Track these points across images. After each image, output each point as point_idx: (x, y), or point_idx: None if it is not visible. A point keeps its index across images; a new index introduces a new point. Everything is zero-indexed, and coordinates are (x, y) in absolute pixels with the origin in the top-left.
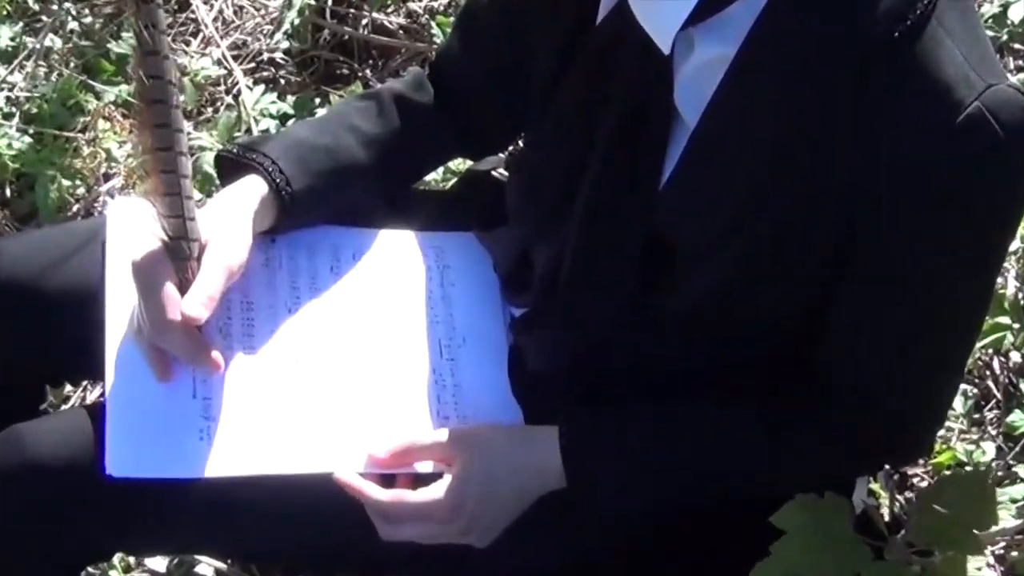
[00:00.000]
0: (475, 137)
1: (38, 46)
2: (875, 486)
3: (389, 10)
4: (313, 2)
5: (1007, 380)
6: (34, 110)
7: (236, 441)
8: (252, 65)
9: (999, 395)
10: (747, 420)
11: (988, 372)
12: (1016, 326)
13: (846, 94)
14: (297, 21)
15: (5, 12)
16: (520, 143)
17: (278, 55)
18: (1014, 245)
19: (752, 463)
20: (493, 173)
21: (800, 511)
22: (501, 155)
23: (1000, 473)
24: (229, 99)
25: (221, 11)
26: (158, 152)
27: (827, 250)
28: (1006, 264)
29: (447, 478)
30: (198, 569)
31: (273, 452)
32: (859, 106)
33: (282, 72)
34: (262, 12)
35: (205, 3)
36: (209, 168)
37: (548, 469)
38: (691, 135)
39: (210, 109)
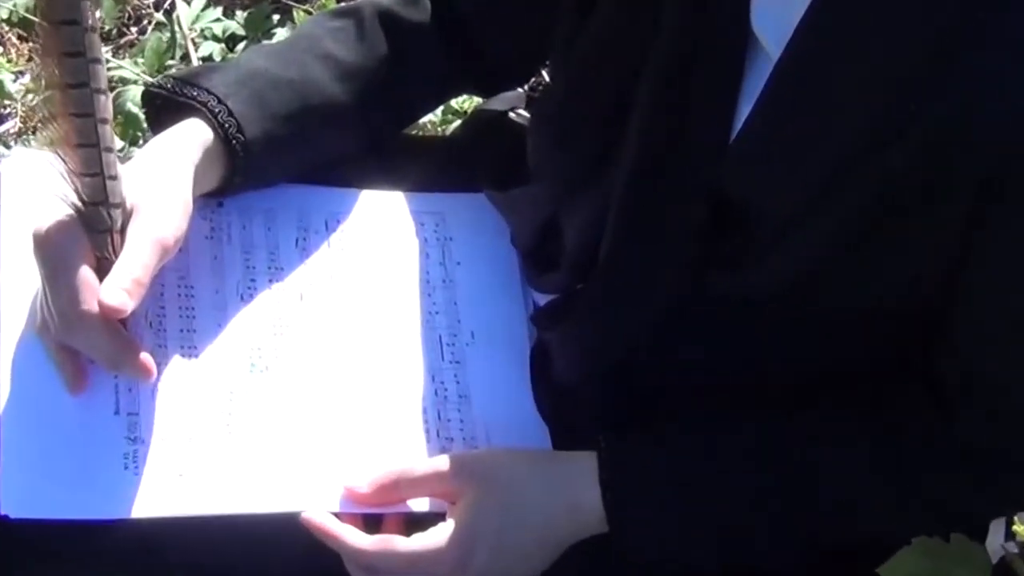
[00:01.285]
0: (485, 66)
1: None
2: (1018, 528)
3: None
4: None
5: None
6: None
7: (172, 471)
8: None
9: None
10: (846, 446)
11: None
12: None
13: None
14: None
15: None
16: (545, 74)
17: None
18: None
19: (854, 503)
20: (510, 115)
21: (918, 559)
22: (520, 90)
23: None
24: (159, 16)
25: None
26: (68, 89)
27: (950, 217)
28: None
29: (450, 520)
30: None
31: (220, 486)
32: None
33: None
34: None
35: None
36: (135, 108)
37: (583, 508)
38: (774, 68)
39: (135, 29)
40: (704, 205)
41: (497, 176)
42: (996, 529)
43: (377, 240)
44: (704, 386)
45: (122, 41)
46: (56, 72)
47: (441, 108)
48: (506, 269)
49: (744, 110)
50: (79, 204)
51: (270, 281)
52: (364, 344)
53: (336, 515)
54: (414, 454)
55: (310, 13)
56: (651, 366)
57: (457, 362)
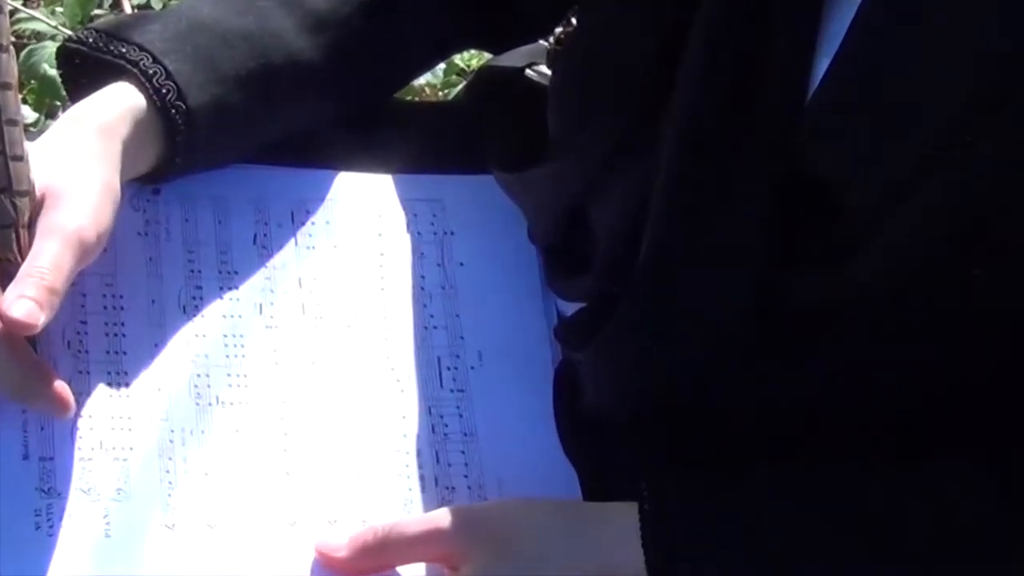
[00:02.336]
0: (495, 13)
1: None
2: None
3: None
4: None
5: None
6: None
7: (96, 531)
8: None
9: None
10: (974, 498)
11: None
12: None
13: None
14: None
15: None
16: (571, 22)
17: None
18: None
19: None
20: (528, 73)
21: None
22: (541, 43)
23: None
24: None
25: None
26: None
27: None
28: None
29: None
30: None
31: (155, 551)
32: None
33: None
34: None
35: None
36: (50, 70)
37: (618, 572)
38: (859, 8)
39: None
40: (776, 186)
41: (510, 152)
42: None
43: (358, 236)
44: (770, 421)
45: None
46: None
47: (442, 67)
48: (522, 271)
49: (822, 65)
50: None
51: (221, 289)
52: (342, 370)
53: None
54: (406, 507)
55: None
56: (710, 392)
57: (460, 391)
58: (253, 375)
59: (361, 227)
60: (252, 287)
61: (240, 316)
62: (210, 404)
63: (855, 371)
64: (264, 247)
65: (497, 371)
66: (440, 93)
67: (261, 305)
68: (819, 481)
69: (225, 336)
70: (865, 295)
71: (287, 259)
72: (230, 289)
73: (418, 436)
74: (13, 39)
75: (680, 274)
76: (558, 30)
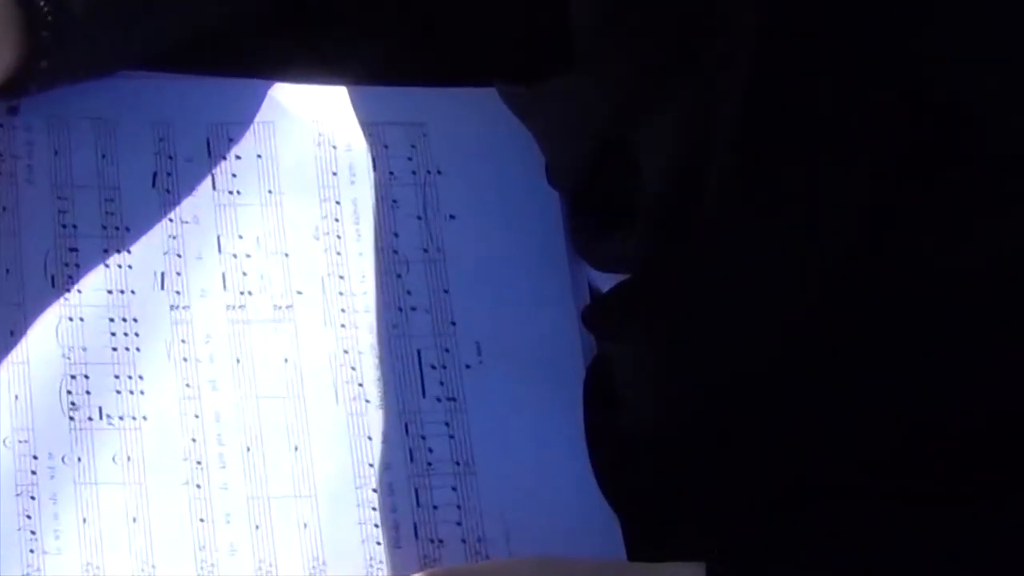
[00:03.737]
0: None
1: None
2: None
3: None
4: None
5: None
6: None
7: None
8: None
9: None
10: None
11: None
12: None
13: None
14: None
15: None
16: None
17: None
18: None
19: None
20: None
21: None
22: None
23: None
24: None
25: None
26: None
27: None
28: None
29: None
30: None
31: None
32: None
33: None
34: None
35: None
36: None
37: None
38: None
39: None
40: (895, 111)
41: (519, 56)
42: None
43: (302, 177)
44: (879, 437)
45: None
46: None
47: None
48: (538, 228)
49: None
50: None
51: (106, 253)
52: (280, 371)
53: None
54: (370, 570)
55: None
56: (795, 402)
57: (450, 399)
58: (152, 378)
59: (306, 164)
60: (151, 250)
61: (133, 292)
62: (90, 420)
63: (972, 378)
64: (168, 191)
65: (502, 371)
66: None
67: (163, 276)
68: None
69: (112, 322)
70: (997, 273)
71: (201, 209)
72: (118, 252)
73: (388, 466)
74: None
75: (762, 234)
76: None
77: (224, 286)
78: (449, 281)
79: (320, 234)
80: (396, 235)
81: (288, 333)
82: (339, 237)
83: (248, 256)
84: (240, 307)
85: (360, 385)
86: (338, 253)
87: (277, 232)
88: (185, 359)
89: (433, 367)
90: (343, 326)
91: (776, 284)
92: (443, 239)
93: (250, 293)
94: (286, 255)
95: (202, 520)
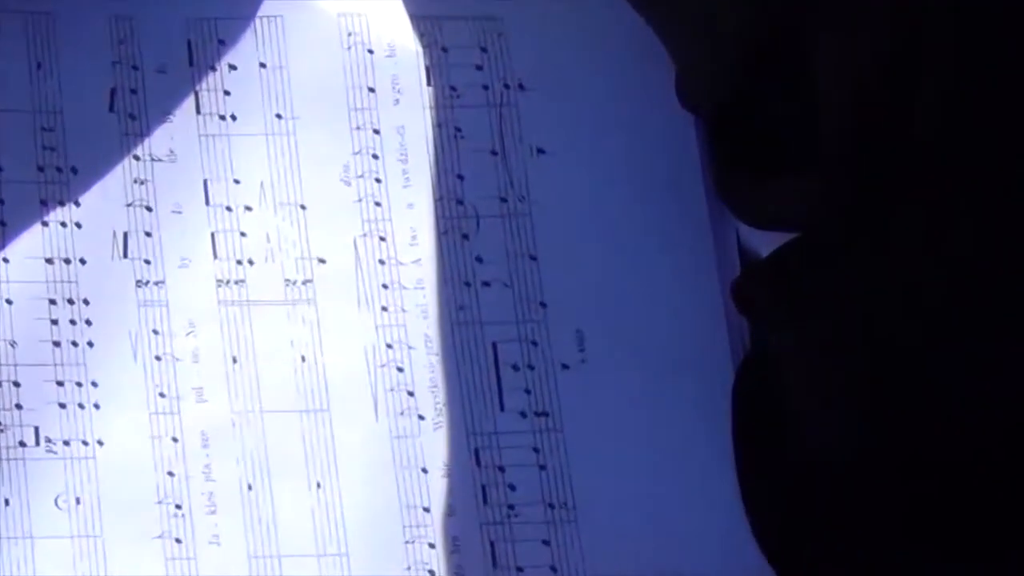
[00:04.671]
0: None
1: None
2: None
3: None
4: None
5: None
6: None
7: None
8: None
9: None
10: None
11: None
12: None
13: None
14: None
15: None
16: None
17: None
18: None
19: None
20: None
21: None
22: None
23: None
24: None
25: None
26: None
27: None
28: None
29: None
30: None
31: None
32: None
33: None
34: None
35: None
36: None
37: None
38: None
39: None
40: None
41: None
42: None
43: (322, 94)
44: None
45: None
46: None
47: None
48: (665, 166)
49: None
50: None
51: (45, 205)
52: (296, 376)
53: None
54: None
55: None
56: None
57: (541, 414)
58: (111, 386)
59: (330, 76)
60: (107, 201)
61: (84, 262)
62: (21, 446)
63: None
64: (132, 117)
65: (613, 374)
66: None
67: (126, 239)
68: None
69: (53, 305)
70: None
71: (180, 143)
72: (61, 204)
73: (452, 512)
74: None
75: (981, 179)
76: None
77: (214, 253)
78: (537, 244)
79: (351, 177)
80: (460, 178)
81: (306, 320)
82: (378, 181)
83: (248, 209)
84: (237, 283)
85: (410, 394)
86: (377, 204)
87: (289, 175)
88: (158, 358)
89: (515, 368)
90: (385, 309)
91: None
92: (528, 183)
93: (251, 263)
94: (302, 208)
95: None
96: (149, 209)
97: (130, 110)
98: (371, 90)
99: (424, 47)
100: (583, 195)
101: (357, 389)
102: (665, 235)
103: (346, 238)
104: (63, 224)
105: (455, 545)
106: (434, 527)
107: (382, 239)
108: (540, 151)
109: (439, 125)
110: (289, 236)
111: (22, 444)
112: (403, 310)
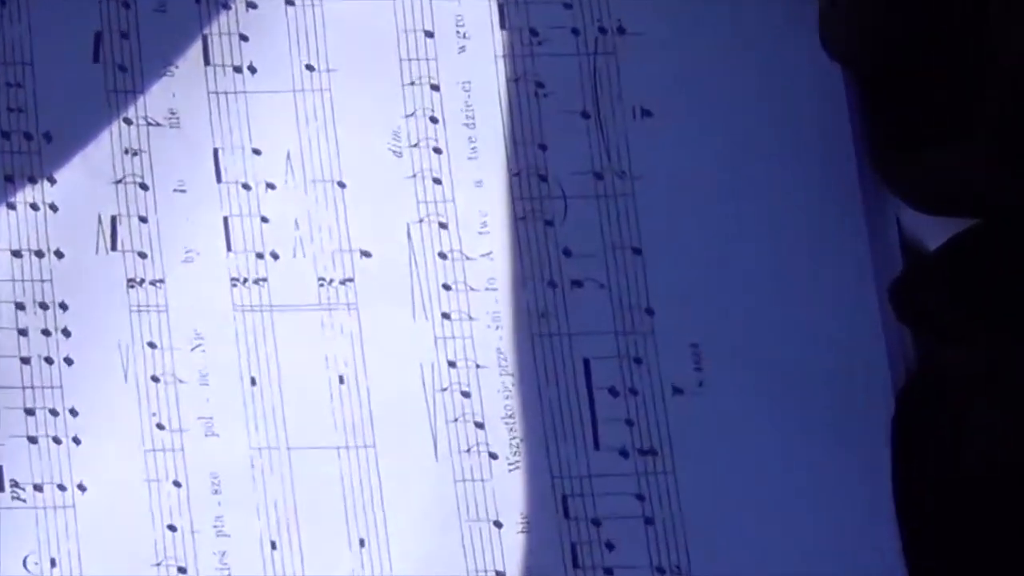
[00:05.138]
0: None
1: None
2: None
3: None
4: None
5: None
6: None
7: None
8: None
9: None
10: None
11: None
12: None
13: None
14: None
15: None
16: None
17: None
18: None
19: None
20: None
21: None
22: None
23: None
24: None
25: None
26: None
27: None
28: None
29: None
30: None
31: None
32: None
33: None
34: None
35: None
36: None
37: None
38: None
39: None
40: None
41: None
42: None
43: (368, 41)
44: None
45: None
46: None
47: None
48: (806, 137)
49: None
50: None
51: (10, 182)
52: (332, 403)
53: None
54: None
55: None
56: None
57: (647, 451)
58: (95, 415)
59: (375, 18)
60: (91, 174)
61: (61, 255)
62: None
63: None
64: (123, 68)
65: (741, 400)
66: None
67: (114, 225)
68: None
69: (20, 309)
70: None
71: (184, 101)
72: (32, 182)
73: (531, 572)
74: None
75: None
76: None
77: (228, 244)
78: (641, 233)
79: (403, 146)
80: (543, 148)
81: (345, 330)
82: (437, 152)
83: (271, 188)
84: (257, 282)
85: (479, 426)
86: (436, 181)
87: (324, 143)
88: (155, 378)
89: (613, 393)
90: (446, 317)
91: None
92: (629, 155)
93: (275, 257)
94: (341, 185)
95: None
96: (144, 187)
97: (120, 60)
98: (428, 34)
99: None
100: (699, 170)
101: (411, 419)
102: (805, 223)
103: (397, 225)
104: (34, 206)
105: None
106: None
107: (442, 226)
108: (645, 113)
109: (515, 79)
110: (324, 222)
111: None
112: (470, 318)
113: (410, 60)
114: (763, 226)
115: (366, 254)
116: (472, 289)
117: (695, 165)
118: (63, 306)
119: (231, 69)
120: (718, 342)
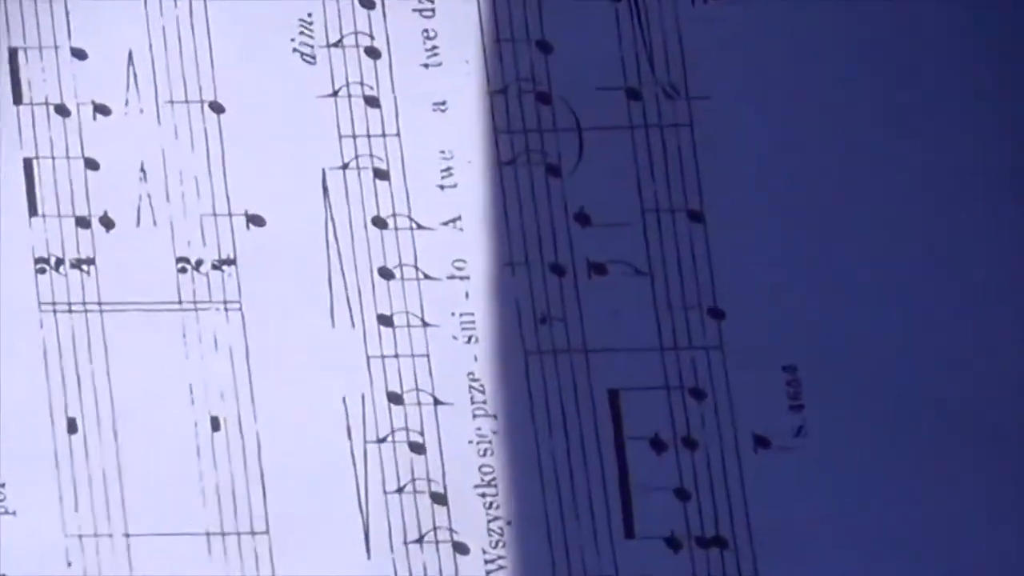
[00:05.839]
0: None
1: None
2: None
3: None
4: None
5: None
6: None
7: None
8: None
9: None
10: None
11: None
12: None
13: None
14: None
15: None
16: None
17: None
18: None
19: None
20: None
21: None
22: None
23: None
24: None
25: None
26: None
27: None
28: None
29: None
30: None
31: None
32: None
33: None
34: None
35: None
36: None
37: None
38: None
39: None
40: None
41: None
42: None
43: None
44: None
45: None
46: None
47: None
48: (941, 103)
49: None
50: None
51: None
52: (172, 496)
53: None
54: None
55: None
56: None
57: (714, 542)
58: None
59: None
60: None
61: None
62: None
63: None
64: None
65: (857, 458)
66: None
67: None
68: None
69: None
70: None
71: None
72: None
73: None
74: None
75: None
76: None
77: (30, 204)
78: (703, 188)
79: (317, 45)
80: (544, 47)
81: (222, 343)
82: (373, 54)
83: (103, 113)
84: (78, 266)
85: (438, 500)
86: (371, 102)
87: (186, 39)
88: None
89: (658, 444)
90: (387, 323)
91: None
92: (684, 58)
93: (108, 225)
94: (215, 109)
95: None
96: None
97: None
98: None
99: None
100: (791, 86)
101: (326, 490)
102: (933, 212)
103: (306, 174)
104: None
105: None
106: None
107: (380, 175)
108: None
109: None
110: (188, 169)
111: None
112: (424, 324)
113: None
114: (870, 211)
115: (255, 221)
116: (428, 277)
117: (784, 77)
118: None
119: None
120: (826, 365)
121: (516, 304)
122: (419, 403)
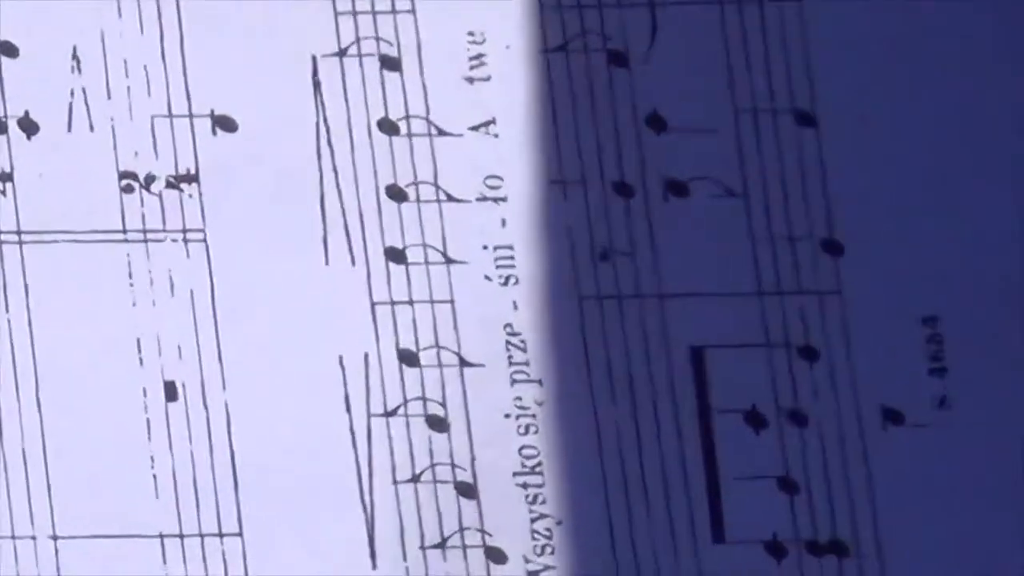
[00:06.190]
0: None
1: None
2: None
3: None
4: None
5: None
6: None
7: None
8: None
9: None
10: None
11: None
12: None
13: None
14: None
15: None
16: None
17: None
18: None
19: None
20: None
21: None
22: None
23: None
24: None
25: None
26: None
27: None
28: None
29: None
30: None
31: None
32: None
33: None
34: None
35: None
36: None
37: None
38: None
39: None
40: None
41: None
42: None
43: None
44: None
45: None
46: None
47: None
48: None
49: None
50: None
51: None
52: (118, 485)
53: None
54: None
55: None
56: None
57: (834, 549)
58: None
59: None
60: None
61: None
62: None
63: None
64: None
65: (1000, 438)
66: None
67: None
68: None
69: None
70: None
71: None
72: None
73: None
74: None
75: None
76: None
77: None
78: (816, 86)
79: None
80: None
81: (181, 285)
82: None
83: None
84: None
85: (465, 493)
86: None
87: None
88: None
89: (756, 419)
90: (398, 259)
91: None
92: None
93: (29, 130)
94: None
95: None
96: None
97: None
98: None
99: None
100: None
101: (320, 478)
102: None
103: (293, 58)
104: None
105: None
106: None
107: (388, 64)
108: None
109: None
110: (135, 56)
111: None
112: (447, 260)
113: None
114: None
115: (224, 124)
116: (452, 199)
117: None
118: None
119: None
120: (975, 317)
121: (568, 234)
122: (440, 364)
